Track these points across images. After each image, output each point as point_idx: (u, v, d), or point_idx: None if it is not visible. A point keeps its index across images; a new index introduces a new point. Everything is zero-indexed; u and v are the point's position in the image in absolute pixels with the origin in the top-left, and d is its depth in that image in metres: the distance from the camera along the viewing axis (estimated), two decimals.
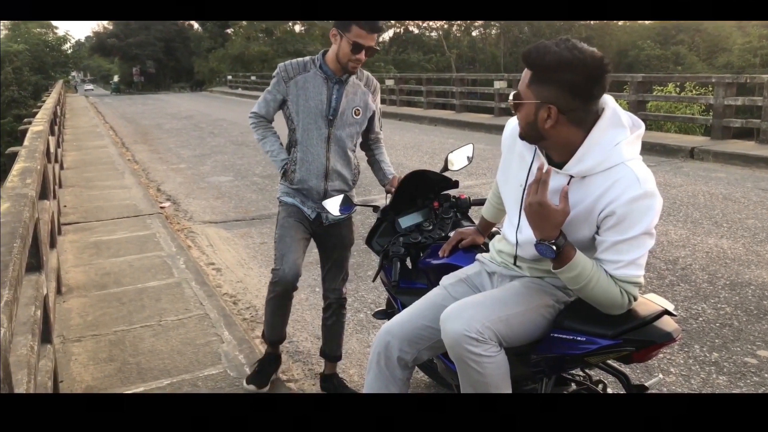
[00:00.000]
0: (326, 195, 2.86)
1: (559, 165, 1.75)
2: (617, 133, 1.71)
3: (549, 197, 1.69)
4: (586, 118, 1.70)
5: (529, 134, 1.78)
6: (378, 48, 2.80)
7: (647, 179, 1.67)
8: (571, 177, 1.73)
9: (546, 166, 1.73)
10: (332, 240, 3.02)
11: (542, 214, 1.67)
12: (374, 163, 3.09)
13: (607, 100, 1.75)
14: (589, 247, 1.76)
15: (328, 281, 3.08)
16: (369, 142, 3.08)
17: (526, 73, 1.73)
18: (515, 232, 1.91)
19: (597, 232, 1.73)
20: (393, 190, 2.84)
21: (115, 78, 64.97)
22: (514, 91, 1.77)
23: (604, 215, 1.68)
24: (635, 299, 1.74)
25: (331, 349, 3.14)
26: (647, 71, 35.71)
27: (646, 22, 57.70)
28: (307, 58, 2.88)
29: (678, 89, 16.69)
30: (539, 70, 1.69)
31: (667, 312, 1.76)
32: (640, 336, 1.71)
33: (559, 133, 1.71)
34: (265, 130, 2.96)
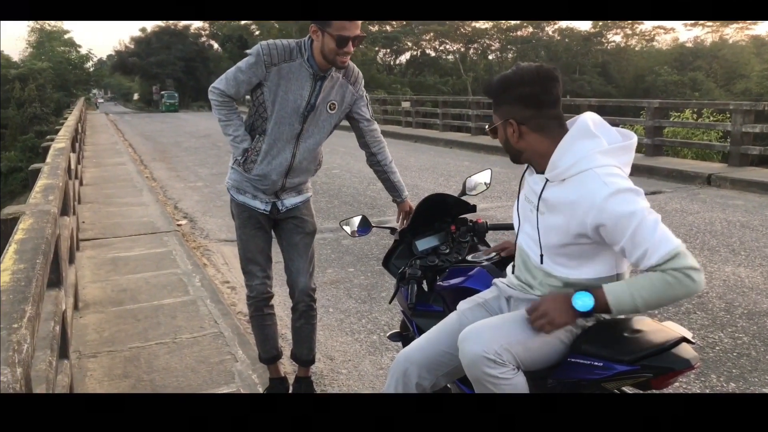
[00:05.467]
0: (283, 189, 2.79)
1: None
2: (588, 143, 1.79)
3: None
4: (548, 123, 1.82)
5: (509, 152, 1.95)
6: (365, 34, 2.62)
7: (614, 181, 1.71)
8: (547, 180, 1.84)
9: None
10: (292, 224, 2.88)
11: (551, 316, 1.76)
12: (382, 174, 2.92)
13: (584, 114, 1.87)
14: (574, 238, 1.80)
15: (293, 274, 2.90)
16: (365, 138, 2.86)
17: (492, 103, 1.92)
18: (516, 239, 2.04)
19: (604, 242, 1.77)
20: (404, 213, 2.87)
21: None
22: (489, 123, 1.95)
23: (592, 227, 1.73)
24: (693, 268, 1.64)
25: (302, 354, 3.05)
26: (664, 97, 35.68)
27: (664, 47, 57.76)
28: (293, 43, 2.61)
29: (695, 115, 16.62)
30: (494, 95, 1.89)
31: (685, 339, 1.74)
32: (658, 362, 1.69)
33: (528, 144, 1.86)
34: (230, 112, 2.72)
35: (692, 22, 54.93)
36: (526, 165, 1.98)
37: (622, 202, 1.68)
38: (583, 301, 1.73)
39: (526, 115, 1.82)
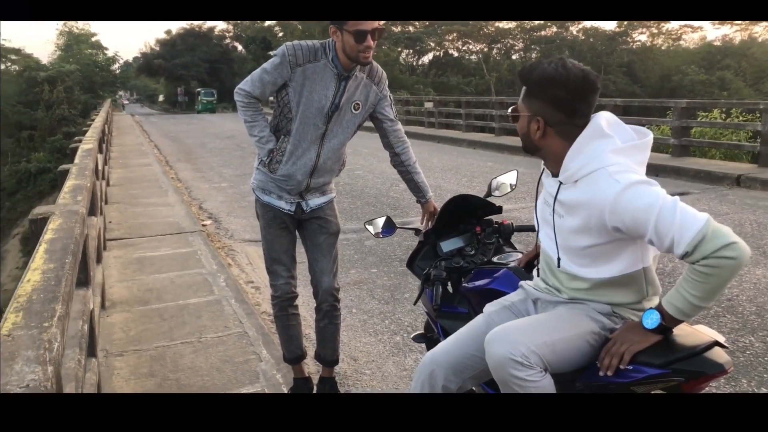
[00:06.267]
0: (307, 189, 2.80)
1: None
2: (601, 143, 1.76)
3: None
4: (574, 131, 1.79)
5: (525, 145, 1.92)
6: (383, 27, 2.59)
7: (625, 177, 1.68)
8: (561, 183, 1.82)
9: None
10: (316, 224, 2.91)
11: (630, 340, 1.73)
12: (406, 174, 2.92)
13: (598, 114, 1.82)
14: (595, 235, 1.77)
15: (317, 274, 2.92)
16: (389, 138, 2.85)
17: (522, 89, 1.87)
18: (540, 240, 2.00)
19: (627, 239, 1.75)
20: (428, 214, 2.85)
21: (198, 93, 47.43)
22: (513, 106, 1.91)
23: (612, 227, 1.70)
24: (723, 246, 1.56)
25: (326, 354, 3.06)
26: (691, 97, 35.13)
27: (691, 46, 56.91)
28: (318, 44, 2.63)
29: (723, 115, 16.33)
30: (529, 85, 1.84)
31: (717, 343, 1.71)
32: (689, 366, 1.66)
33: (548, 145, 1.84)
34: (255, 113, 2.73)
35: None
36: (542, 168, 1.97)
37: (636, 195, 1.65)
38: (651, 319, 1.71)
39: (557, 119, 1.80)
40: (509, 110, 1.94)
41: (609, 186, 1.68)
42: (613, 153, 1.74)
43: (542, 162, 1.96)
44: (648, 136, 1.82)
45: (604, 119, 1.80)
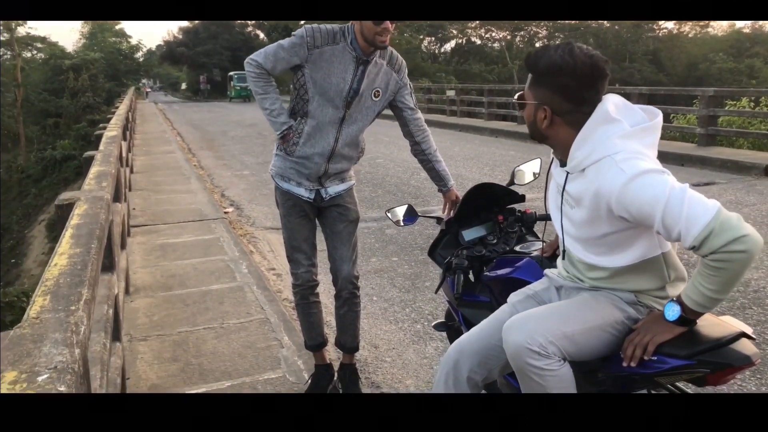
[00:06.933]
0: (326, 174, 2.80)
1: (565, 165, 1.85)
2: (608, 128, 1.71)
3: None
4: (582, 119, 1.75)
5: (532, 133, 1.89)
6: None
7: (631, 165, 1.63)
8: (568, 174, 1.79)
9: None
10: (335, 212, 2.91)
11: (653, 332, 1.71)
12: (426, 163, 2.91)
13: (606, 97, 1.76)
14: (606, 225, 1.74)
15: (337, 261, 2.92)
16: (409, 126, 2.85)
17: (529, 76, 1.82)
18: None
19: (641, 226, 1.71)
20: (449, 203, 2.83)
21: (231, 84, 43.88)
22: (520, 92, 1.86)
23: (619, 216, 1.67)
24: (732, 240, 1.53)
25: (346, 341, 3.07)
26: (719, 85, 34.46)
27: (719, 33, 55.81)
28: (337, 27, 2.64)
29: (752, 104, 16.00)
30: (536, 73, 1.78)
31: (744, 334, 1.68)
32: (715, 358, 1.64)
33: (556, 133, 1.80)
34: (266, 85, 2.72)
35: None
36: (551, 158, 1.94)
37: (642, 186, 1.60)
38: (672, 311, 1.69)
39: (564, 108, 1.76)
40: (515, 97, 1.89)
41: (614, 176, 1.64)
42: (620, 138, 1.68)
43: (551, 151, 1.92)
44: (658, 116, 1.76)
45: (611, 103, 1.74)
